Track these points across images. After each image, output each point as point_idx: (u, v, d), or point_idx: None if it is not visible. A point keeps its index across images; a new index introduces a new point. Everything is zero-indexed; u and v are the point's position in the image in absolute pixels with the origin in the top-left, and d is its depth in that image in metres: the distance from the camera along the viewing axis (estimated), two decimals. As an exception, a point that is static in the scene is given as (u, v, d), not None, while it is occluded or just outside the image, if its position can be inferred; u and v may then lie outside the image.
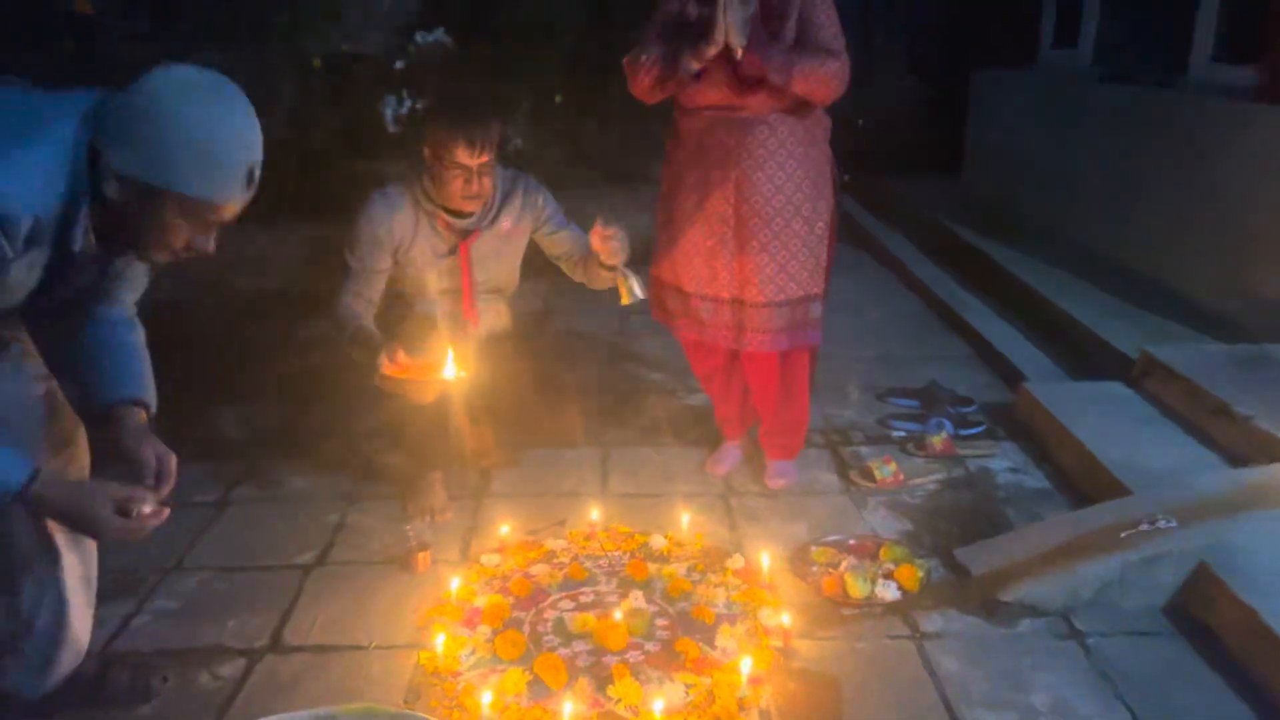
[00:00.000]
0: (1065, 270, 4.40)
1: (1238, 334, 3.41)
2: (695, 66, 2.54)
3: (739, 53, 2.47)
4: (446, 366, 2.47)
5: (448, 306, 2.77)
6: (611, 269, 2.66)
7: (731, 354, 2.89)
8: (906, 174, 6.73)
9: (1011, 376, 3.69)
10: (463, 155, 2.51)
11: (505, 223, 2.75)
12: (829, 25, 2.56)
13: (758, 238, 2.65)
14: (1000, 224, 5.29)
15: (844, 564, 2.43)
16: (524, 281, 2.99)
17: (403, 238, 2.66)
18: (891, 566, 2.41)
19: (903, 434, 3.28)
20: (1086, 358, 3.66)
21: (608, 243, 2.59)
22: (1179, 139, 3.96)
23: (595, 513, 2.65)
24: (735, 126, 2.60)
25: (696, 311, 2.80)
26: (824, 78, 2.50)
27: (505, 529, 2.57)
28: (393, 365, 2.45)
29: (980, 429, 3.26)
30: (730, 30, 2.45)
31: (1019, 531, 2.55)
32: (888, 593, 2.32)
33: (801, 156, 2.64)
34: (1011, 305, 4.37)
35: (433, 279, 2.73)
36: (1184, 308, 3.75)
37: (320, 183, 5.45)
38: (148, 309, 1.95)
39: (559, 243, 2.85)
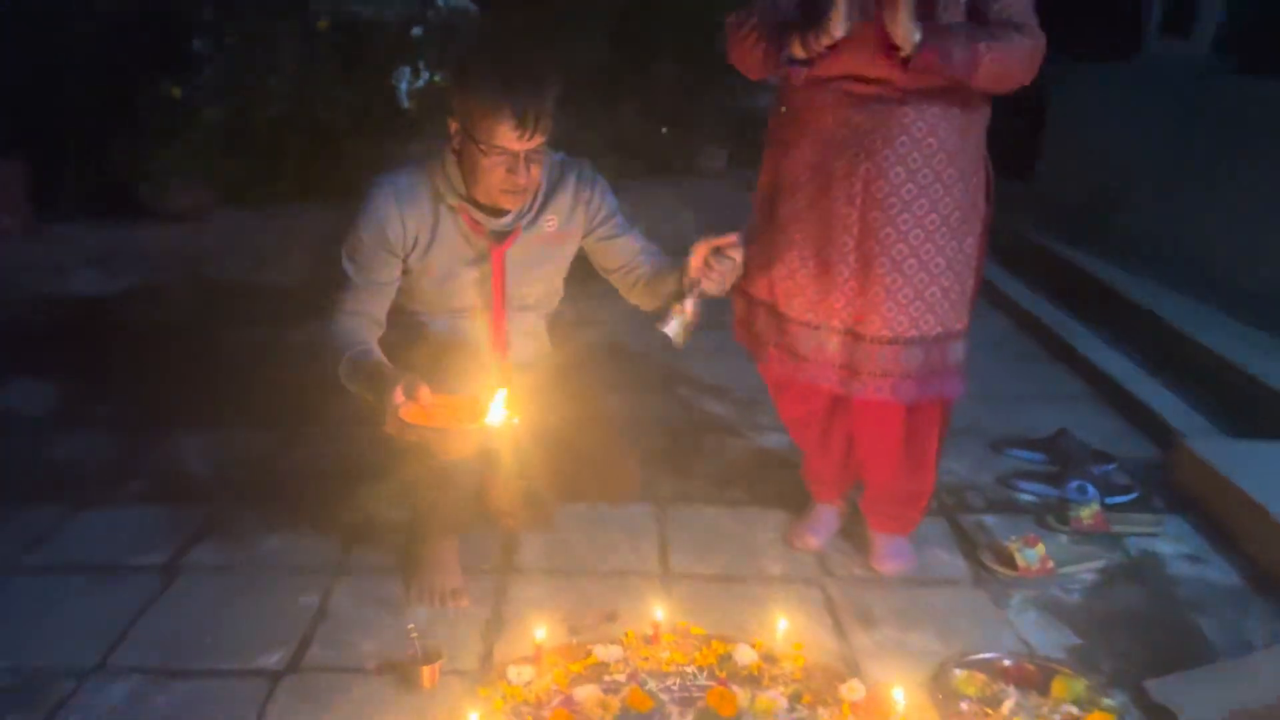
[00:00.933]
0: (1186, 294, 3.73)
1: None
2: (799, 55, 1.89)
3: (904, 47, 1.81)
4: (493, 408, 1.77)
5: (469, 329, 2.11)
6: (681, 295, 1.95)
7: (835, 397, 2.22)
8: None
9: (1149, 426, 3.03)
10: (508, 136, 1.86)
11: (550, 223, 2.09)
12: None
13: (889, 253, 1.99)
14: (1092, 235, 4.61)
15: (1007, 703, 1.77)
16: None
17: (418, 240, 2.02)
18: (1074, 711, 1.76)
19: (1032, 498, 2.63)
20: (1241, 405, 2.99)
21: (721, 264, 1.92)
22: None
23: (659, 610, 1.99)
24: (871, 106, 1.94)
25: (795, 342, 2.14)
26: (1018, 63, 1.88)
27: (541, 632, 1.91)
28: (414, 407, 1.74)
29: (1132, 496, 2.59)
30: (896, 22, 1.78)
31: (1237, 664, 1.89)
32: (1075, 752, 1.67)
33: (955, 150, 1.99)
34: (1125, 333, 3.71)
35: (455, 294, 2.08)
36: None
37: (328, 165, 4.81)
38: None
39: (617, 253, 2.17)
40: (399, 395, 1.73)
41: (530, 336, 2.20)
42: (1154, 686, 1.84)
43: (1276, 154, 3.64)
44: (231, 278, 4.16)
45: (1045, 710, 1.76)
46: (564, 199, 2.09)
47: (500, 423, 1.76)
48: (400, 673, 1.86)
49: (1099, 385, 3.42)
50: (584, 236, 2.16)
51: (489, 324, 2.11)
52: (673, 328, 1.91)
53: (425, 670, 1.83)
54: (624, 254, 2.16)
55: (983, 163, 2.09)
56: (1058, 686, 1.81)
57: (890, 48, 1.84)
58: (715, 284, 1.93)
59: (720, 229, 1.95)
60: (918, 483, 2.26)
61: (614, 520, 2.44)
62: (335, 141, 4.80)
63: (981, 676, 1.85)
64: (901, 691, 1.75)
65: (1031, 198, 5.58)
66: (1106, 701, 1.79)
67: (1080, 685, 1.81)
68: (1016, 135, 5.89)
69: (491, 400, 1.76)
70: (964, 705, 1.79)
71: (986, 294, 4.46)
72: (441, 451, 1.82)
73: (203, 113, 4.64)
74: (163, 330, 3.67)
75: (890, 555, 2.27)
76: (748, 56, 2.00)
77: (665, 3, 5.20)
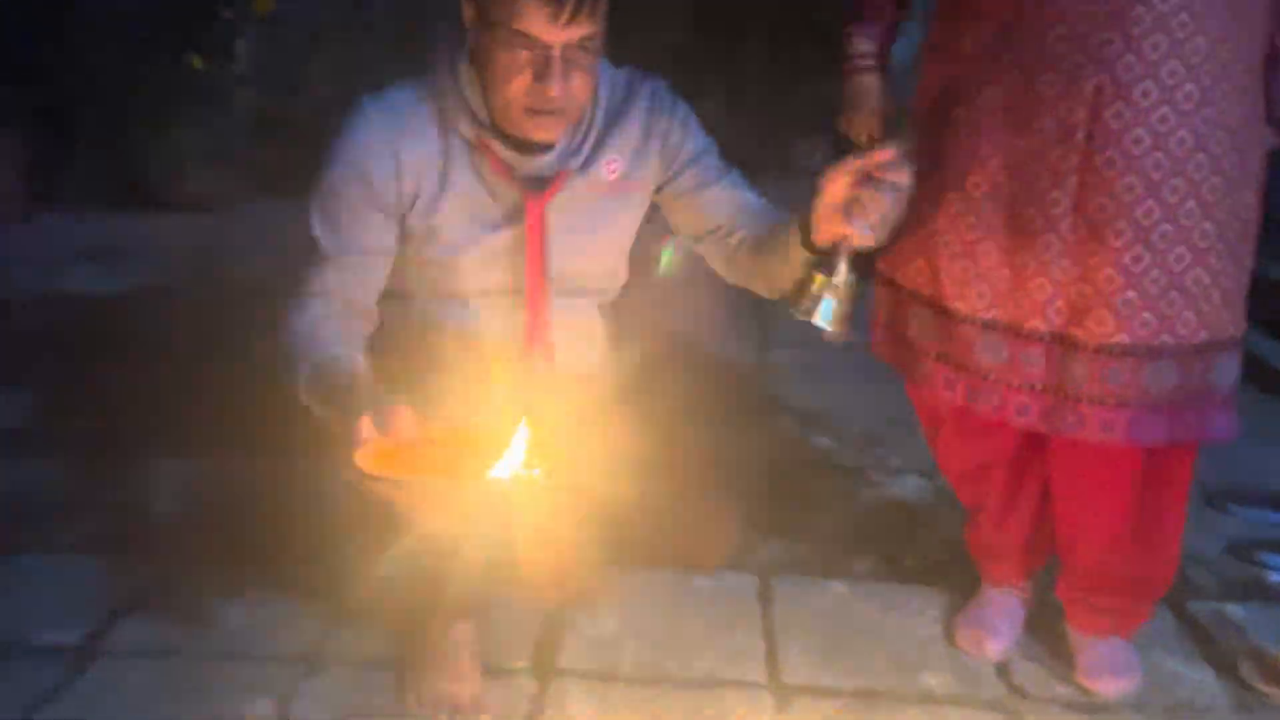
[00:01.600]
0: None
1: None
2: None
3: None
4: (506, 454, 1.13)
5: (492, 323, 1.45)
6: (820, 263, 1.22)
7: (1031, 435, 1.51)
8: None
9: None
10: (536, 15, 1.23)
11: (613, 167, 1.44)
12: None
13: (1130, 215, 1.30)
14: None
15: None
16: (630, 295, 1.68)
17: (420, 190, 1.39)
18: None
19: (1284, 578, 1.88)
20: None
21: (880, 196, 1.18)
22: None
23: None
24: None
25: (971, 351, 1.44)
26: None
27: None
28: (387, 445, 1.10)
29: None
30: None
31: None
32: None
33: (1236, 50, 1.30)
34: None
35: (473, 271, 1.43)
36: None
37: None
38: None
39: (709, 209, 1.48)
40: (366, 427, 1.09)
41: (582, 335, 1.53)
42: None
43: None
44: (254, 277, 3.61)
45: None
46: (632, 132, 1.45)
47: (513, 476, 1.11)
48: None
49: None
50: (660, 187, 1.50)
51: (523, 315, 1.45)
52: (823, 312, 1.19)
53: None
54: (720, 210, 1.48)
55: (1259, 81, 1.38)
56: None
57: None
58: (876, 230, 1.20)
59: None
60: (1151, 566, 1.55)
61: (700, 599, 1.76)
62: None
63: None
64: None
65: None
66: None
67: None
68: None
69: (505, 440, 1.11)
70: None
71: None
72: (421, 518, 1.16)
73: (233, 96, 4.16)
74: (164, 336, 3.12)
75: (1108, 670, 1.55)
76: None
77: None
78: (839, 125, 1.73)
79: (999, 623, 1.65)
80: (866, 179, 1.18)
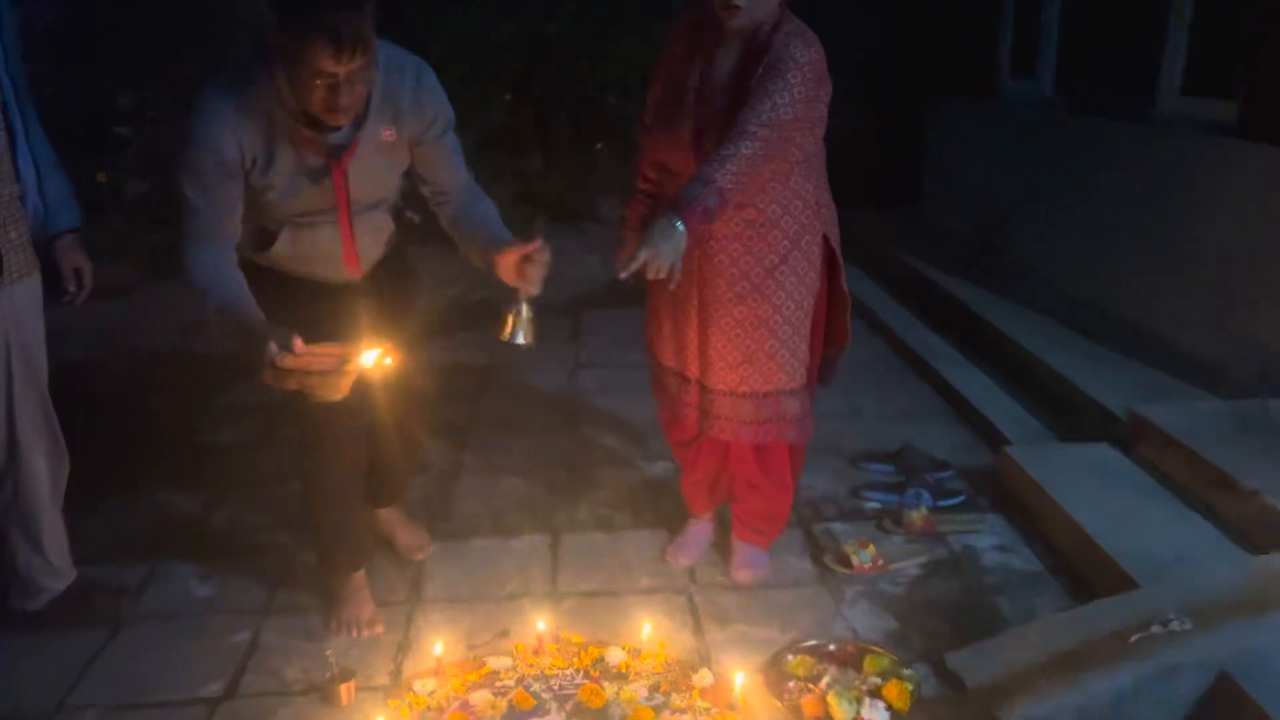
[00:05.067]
0: (1038, 313, 4.19)
1: (1228, 385, 3.21)
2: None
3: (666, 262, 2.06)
4: (363, 351, 1.86)
5: (318, 235, 2.15)
6: (511, 305, 1.99)
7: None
8: (862, 206, 6.49)
9: (990, 435, 3.46)
10: (325, 60, 1.79)
11: (387, 133, 2.08)
12: (774, 94, 2.12)
13: (718, 325, 2.39)
14: (964, 262, 5.08)
15: (825, 679, 2.15)
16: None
17: (256, 159, 1.99)
18: (878, 681, 2.14)
19: (877, 505, 3.02)
20: (1069, 413, 3.43)
21: (531, 267, 1.96)
22: (1153, 176, 3.77)
23: (542, 622, 2.34)
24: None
25: (666, 383, 2.58)
26: (749, 174, 2.13)
27: (439, 647, 2.25)
28: (289, 358, 1.78)
29: (961, 499, 3.01)
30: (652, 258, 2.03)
31: (1016, 632, 2.28)
32: (876, 715, 2.05)
33: (779, 238, 2.33)
34: (984, 352, 4.15)
35: (299, 206, 2.10)
36: (1171, 356, 3.54)
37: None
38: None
39: (435, 170, 2.21)
40: (273, 350, 1.77)
41: (378, 231, 2.28)
42: (951, 658, 2.23)
43: (1102, 185, 4.13)
44: (159, 349, 4.43)
45: (857, 683, 2.14)
46: (401, 105, 2.07)
47: (373, 363, 1.86)
48: (321, 692, 2.19)
49: (953, 400, 3.85)
50: (413, 144, 2.15)
51: (339, 229, 2.15)
52: (517, 337, 1.99)
53: (342, 688, 2.15)
54: (441, 174, 2.22)
55: (808, 232, 2.36)
56: (868, 663, 2.20)
57: (704, 147, 2.23)
58: (534, 287, 1.97)
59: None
60: (775, 505, 2.64)
61: (513, 551, 2.79)
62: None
63: (809, 659, 2.23)
64: (741, 676, 2.12)
65: (915, 228, 6.07)
66: (906, 672, 2.17)
67: (886, 660, 2.20)
68: (904, 167, 6.40)
69: (362, 346, 1.87)
70: (791, 684, 2.16)
71: (864, 318, 4.91)
72: (321, 393, 1.86)
73: (125, 190, 4.89)
74: (95, 401, 3.91)
75: (748, 564, 2.65)
76: None
77: (559, 67, 5.58)
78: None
79: (691, 545, 2.74)
80: (536, 262, 1.96)
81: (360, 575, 2.49)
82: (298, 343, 1.78)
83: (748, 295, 2.35)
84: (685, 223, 2.06)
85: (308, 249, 2.17)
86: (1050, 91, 5.06)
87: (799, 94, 2.14)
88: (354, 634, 2.42)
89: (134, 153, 4.80)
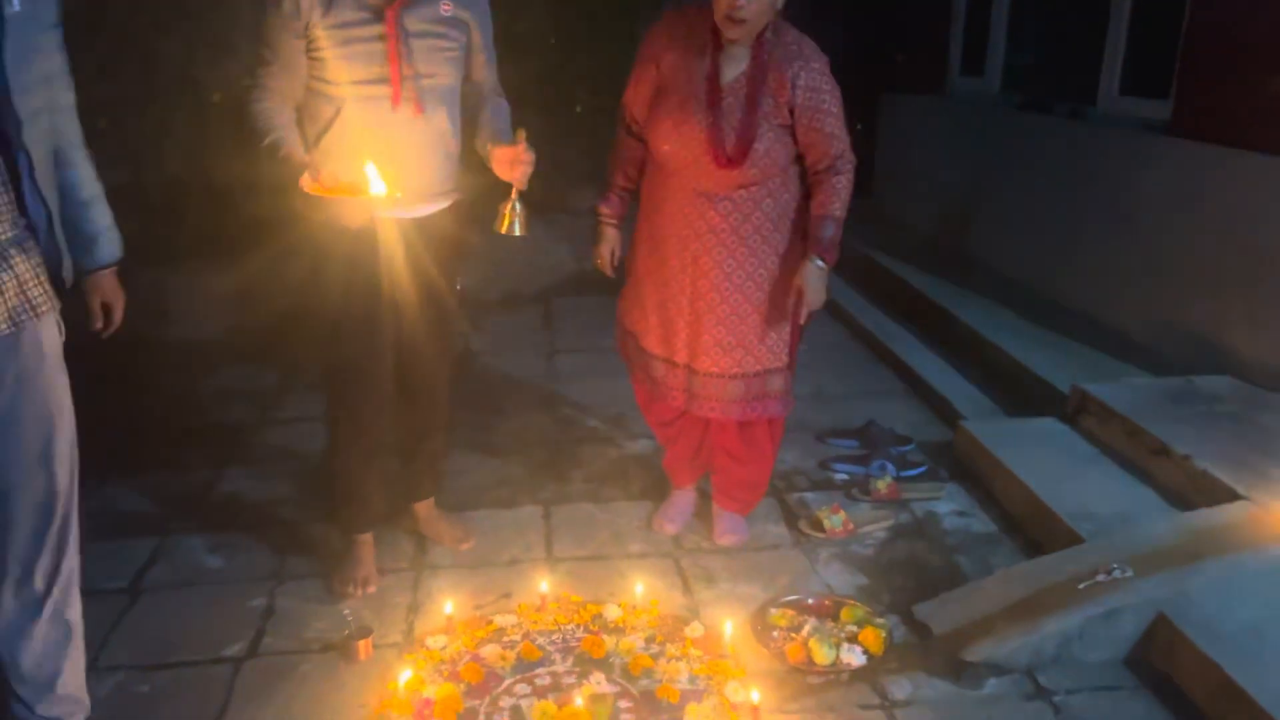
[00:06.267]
0: (988, 299, 4.44)
1: (1162, 363, 3.49)
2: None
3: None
4: (373, 182, 2.11)
5: (376, 107, 2.27)
6: (507, 199, 2.28)
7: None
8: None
9: (946, 412, 3.70)
10: None
11: (446, 6, 2.31)
12: (828, 126, 2.47)
13: (714, 313, 2.57)
14: (917, 250, 5.34)
15: (806, 628, 2.36)
16: None
17: (315, 5, 2.20)
18: (854, 628, 2.36)
19: (845, 477, 3.24)
20: (1018, 390, 3.69)
21: (518, 168, 2.27)
22: (1093, 170, 4.04)
23: (544, 583, 2.52)
24: (699, 197, 2.51)
25: (651, 369, 2.73)
26: (849, 197, 2.54)
27: (449, 606, 2.42)
28: (316, 186, 2.12)
29: (922, 469, 3.25)
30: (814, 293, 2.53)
31: (976, 585, 2.52)
32: (853, 657, 2.26)
33: (769, 231, 2.55)
34: (938, 335, 4.40)
35: (358, 62, 2.24)
36: (1110, 338, 3.82)
37: (227, 221, 5.17)
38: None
39: (474, 68, 2.45)
40: (306, 179, 2.13)
41: (438, 138, 2.36)
42: (918, 608, 2.45)
43: (1046, 178, 4.40)
44: (140, 335, 4.49)
45: (834, 631, 2.35)
46: None
47: (384, 194, 2.12)
48: (340, 649, 2.34)
49: (912, 382, 4.09)
50: (469, 32, 2.39)
51: (394, 109, 2.28)
52: (516, 228, 2.29)
53: (360, 645, 2.31)
54: (476, 75, 2.46)
55: (794, 231, 2.59)
56: (844, 614, 2.42)
57: (721, 160, 2.42)
58: (520, 183, 2.27)
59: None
60: (755, 474, 2.84)
61: (507, 522, 2.97)
62: (232, 199, 5.16)
63: (790, 612, 2.44)
64: (730, 625, 2.32)
65: (869, 217, 6.31)
66: (878, 621, 2.39)
67: (860, 611, 2.42)
68: (859, 160, 6.64)
69: (368, 173, 2.11)
70: (775, 634, 2.37)
71: (827, 306, 5.12)
72: (341, 219, 2.22)
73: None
74: (80, 388, 3.98)
75: (729, 530, 2.85)
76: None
77: (529, 64, 5.71)
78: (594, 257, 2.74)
79: (676, 514, 2.93)
80: (523, 163, 2.25)
81: (367, 538, 2.65)
82: (324, 175, 2.12)
83: (743, 284, 2.55)
84: (825, 260, 2.50)
85: (362, 135, 2.26)
86: (998, 89, 5.33)
87: (840, 107, 2.48)
88: (351, 591, 2.56)
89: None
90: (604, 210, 2.71)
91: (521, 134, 2.26)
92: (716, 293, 2.55)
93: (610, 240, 2.71)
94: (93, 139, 1.98)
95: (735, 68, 2.43)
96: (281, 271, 3.34)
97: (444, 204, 2.46)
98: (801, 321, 2.60)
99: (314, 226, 2.34)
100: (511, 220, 2.28)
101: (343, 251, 2.34)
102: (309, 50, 2.25)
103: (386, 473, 2.67)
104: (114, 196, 2.05)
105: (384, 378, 2.51)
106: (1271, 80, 3.15)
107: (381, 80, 2.26)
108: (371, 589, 2.59)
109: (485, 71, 2.49)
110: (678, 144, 2.46)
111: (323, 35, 2.22)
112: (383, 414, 2.55)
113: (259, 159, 2.23)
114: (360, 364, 2.46)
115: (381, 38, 2.23)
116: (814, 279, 2.49)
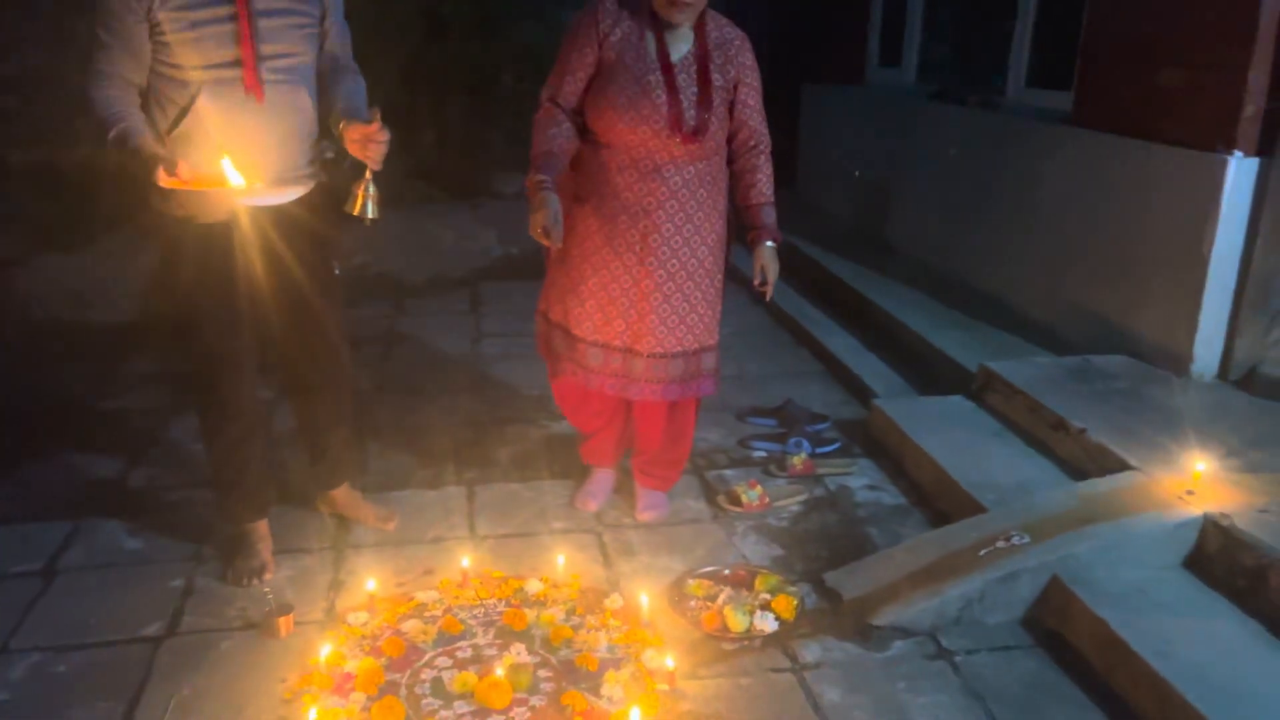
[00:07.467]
0: (902, 283, 4.59)
1: (1062, 343, 3.65)
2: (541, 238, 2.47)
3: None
4: (231, 174, 2.06)
5: (230, 89, 2.19)
6: (358, 180, 2.23)
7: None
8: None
9: (862, 392, 3.82)
10: None
11: None
12: (758, 105, 2.65)
13: (661, 290, 2.61)
14: (837, 237, 5.47)
15: (721, 596, 2.44)
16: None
17: None
18: (767, 596, 2.44)
19: (763, 454, 3.33)
20: (928, 371, 3.82)
21: (371, 147, 2.20)
22: (1001, 159, 4.20)
23: (466, 559, 2.56)
24: (651, 173, 2.53)
25: (584, 358, 2.70)
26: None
27: (371, 583, 2.44)
28: (172, 179, 2.03)
29: (836, 446, 3.36)
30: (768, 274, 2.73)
31: (884, 553, 2.63)
32: (766, 624, 2.34)
33: (710, 206, 2.62)
34: (855, 319, 4.53)
35: (209, 45, 2.16)
36: (1014, 319, 3.98)
37: (139, 202, 5.06)
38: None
39: (330, 34, 2.40)
40: (162, 174, 2.03)
41: (296, 113, 2.31)
42: (829, 576, 2.55)
43: (958, 167, 4.55)
44: (59, 319, 4.41)
45: (749, 599, 2.43)
46: None
47: (243, 185, 2.09)
48: (261, 626, 2.35)
49: (830, 364, 4.21)
50: (321, 3, 2.35)
51: (244, 81, 2.20)
52: (369, 210, 2.23)
53: (281, 621, 2.33)
54: (328, 47, 2.40)
55: (726, 213, 2.69)
56: (758, 582, 2.50)
57: (683, 131, 2.48)
58: (375, 164, 2.22)
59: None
60: (678, 452, 2.92)
61: (431, 502, 2.99)
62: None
63: (707, 582, 2.52)
64: (646, 598, 2.39)
65: (791, 205, 6.43)
66: (791, 589, 2.48)
67: (774, 580, 2.51)
68: (779, 148, 6.77)
69: (225, 168, 2.07)
70: (692, 603, 2.45)
71: (745, 290, 5.23)
72: (201, 215, 2.22)
73: (10, 160, 4.81)
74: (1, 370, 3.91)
75: (650, 506, 2.92)
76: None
77: (452, 45, 5.70)
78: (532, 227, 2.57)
79: (597, 492, 2.99)
80: (377, 140, 2.20)
81: (258, 525, 2.62)
82: (181, 168, 2.03)
83: (688, 259, 2.61)
84: (775, 241, 2.70)
85: (217, 121, 2.19)
86: (913, 80, 5.49)
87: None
88: (245, 583, 2.52)
89: (22, 123, 4.73)
90: (540, 177, 2.49)
91: (376, 112, 2.20)
92: (664, 269, 2.59)
93: (551, 205, 2.45)
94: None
95: (681, 47, 2.51)
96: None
97: (308, 186, 2.43)
98: (767, 299, 2.81)
99: (168, 221, 2.28)
100: (364, 201, 2.22)
101: (199, 242, 2.29)
102: (154, 34, 2.14)
103: (268, 459, 2.65)
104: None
105: (248, 365, 2.47)
106: (1163, 74, 3.31)
107: (234, 63, 2.18)
108: (269, 576, 2.55)
109: (338, 43, 2.42)
110: (634, 121, 2.47)
111: (168, 18, 2.12)
112: (250, 400, 2.52)
113: (105, 151, 2.11)
114: (221, 353, 2.40)
115: (232, 18, 2.16)
116: (771, 258, 2.69)
